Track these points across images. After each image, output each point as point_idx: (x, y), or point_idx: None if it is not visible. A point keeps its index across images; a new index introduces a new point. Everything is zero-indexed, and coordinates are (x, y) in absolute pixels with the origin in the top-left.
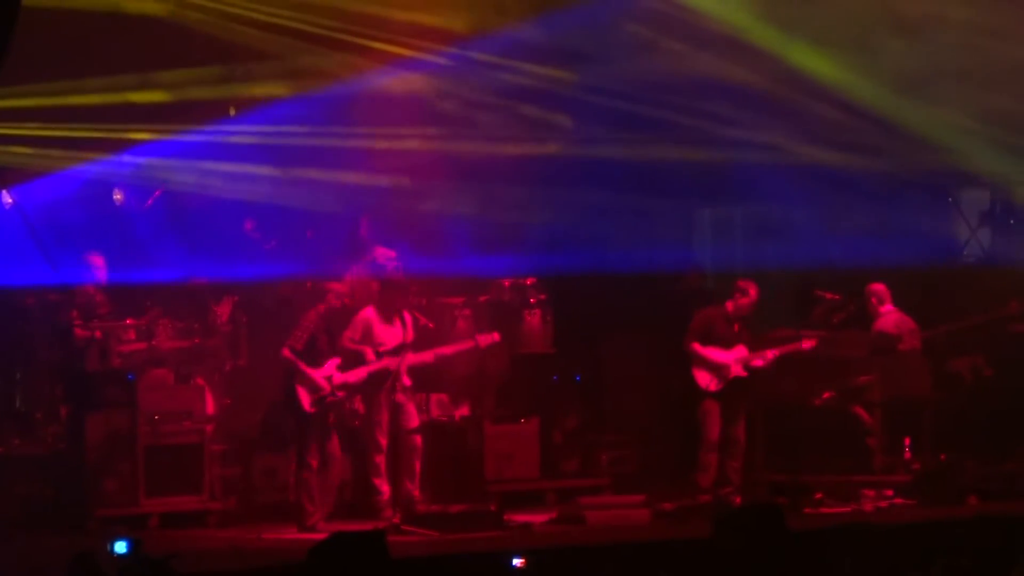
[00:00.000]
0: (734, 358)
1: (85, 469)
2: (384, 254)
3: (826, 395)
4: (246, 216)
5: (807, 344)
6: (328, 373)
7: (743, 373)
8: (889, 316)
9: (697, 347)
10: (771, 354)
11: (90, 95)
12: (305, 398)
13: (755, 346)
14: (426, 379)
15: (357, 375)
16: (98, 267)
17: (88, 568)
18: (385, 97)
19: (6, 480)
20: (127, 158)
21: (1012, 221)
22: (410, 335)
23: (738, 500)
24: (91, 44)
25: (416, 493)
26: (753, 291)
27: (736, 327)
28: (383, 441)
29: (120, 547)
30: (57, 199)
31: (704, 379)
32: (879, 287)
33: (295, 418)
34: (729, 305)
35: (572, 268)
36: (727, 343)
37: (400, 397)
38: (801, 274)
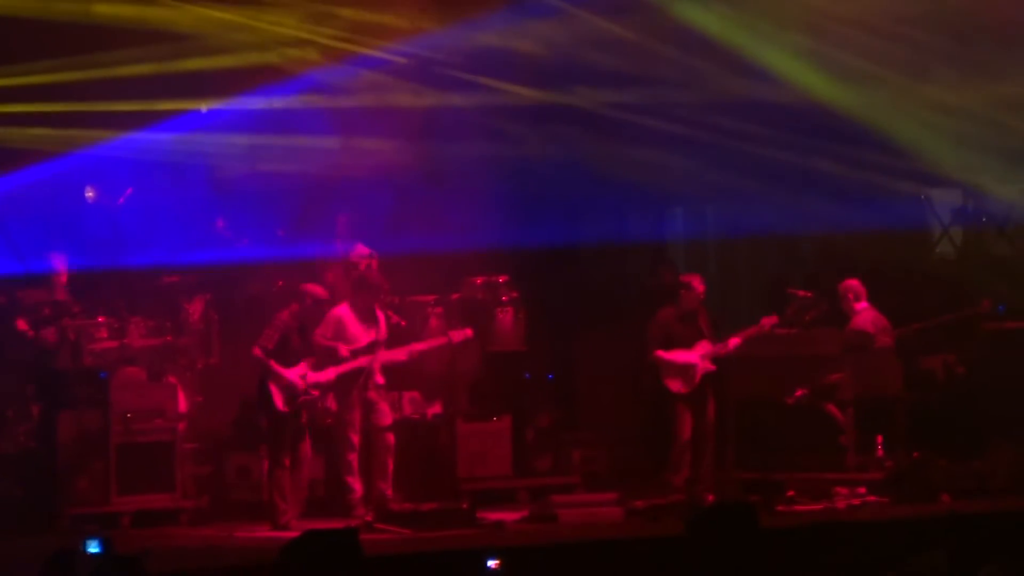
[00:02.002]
0: (699, 355)
1: (56, 468)
2: (360, 252)
3: (798, 393)
4: (218, 213)
5: (767, 322)
6: (302, 372)
7: (711, 367)
8: (865, 313)
9: (660, 354)
10: (733, 342)
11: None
12: (278, 397)
13: (717, 337)
14: (398, 377)
15: (331, 374)
16: (59, 268)
17: (65, 566)
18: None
19: None
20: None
21: (984, 219)
22: (383, 332)
23: (710, 498)
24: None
25: (389, 491)
26: (697, 283)
27: (693, 323)
28: (355, 439)
29: (93, 546)
30: (28, 192)
31: (675, 384)
32: (854, 283)
33: (268, 417)
34: (679, 304)
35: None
36: (688, 342)
37: (372, 395)
38: (774, 272)
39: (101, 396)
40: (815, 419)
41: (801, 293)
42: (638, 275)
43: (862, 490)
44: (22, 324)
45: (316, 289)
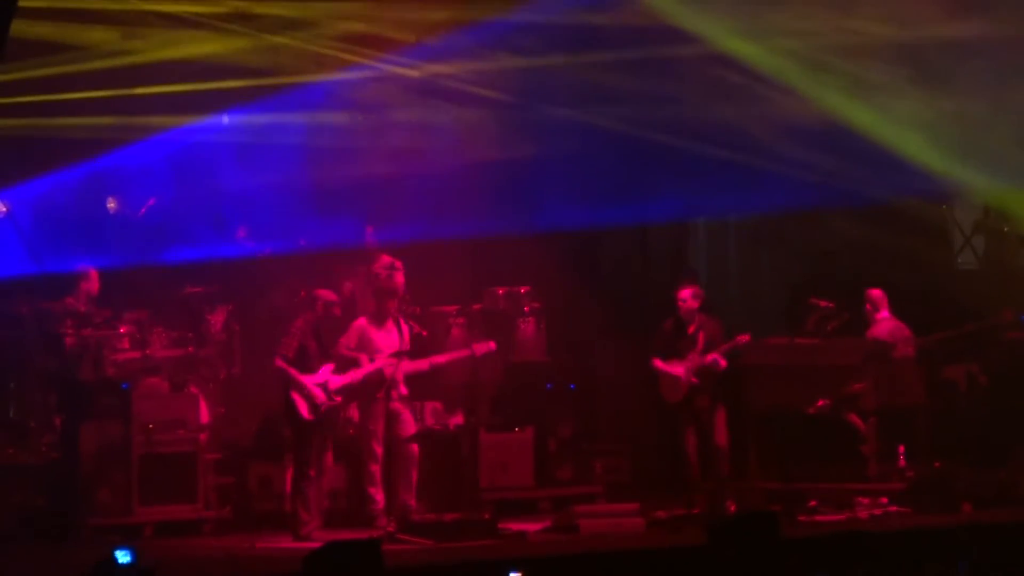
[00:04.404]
0: (684, 368)
1: (79, 478)
2: (383, 262)
3: (820, 403)
4: (242, 222)
5: (741, 339)
6: (322, 379)
7: (695, 380)
8: (884, 323)
9: (657, 363)
10: (710, 358)
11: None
12: (302, 406)
13: (710, 351)
14: (420, 387)
15: (352, 378)
16: (91, 278)
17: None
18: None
19: (0, 490)
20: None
21: (1006, 228)
22: (407, 343)
23: (732, 508)
24: None
25: (412, 502)
26: (688, 294)
27: (687, 335)
28: (379, 450)
29: (123, 557)
30: (52, 201)
31: (668, 394)
32: (876, 293)
33: (293, 427)
34: (677, 314)
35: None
36: (681, 353)
37: (397, 405)
38: (795, 282)
39: (123, 407)
40: (837, 429)
41: (823, 303)
42: (660, 285)
43: (884, 500)
44: (44, 335)
45: (327, 294)
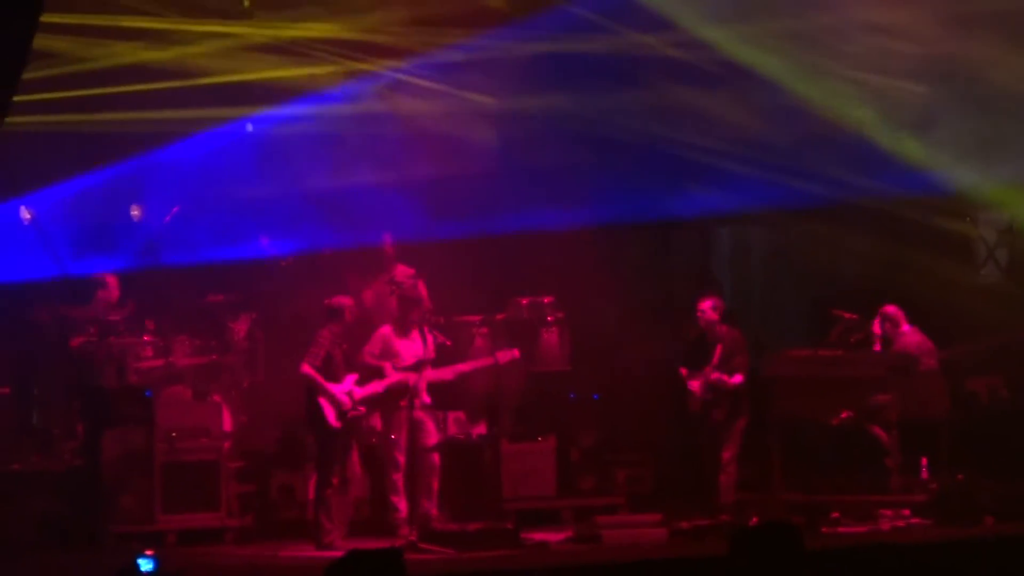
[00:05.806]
0: (700, 382)
1: (102, 486)
2: (403, 272)
3: (843, 415)
4: (262, 232)
5: (734, 381)
6: (347, 388)
7: (708, 395)
8: (910, 336)
9: (683, 371)
10: (715, 376)
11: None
12: (330, 413)
13: (722, 366)
14: (443, 397)
15: (376, 389)
16: (109, 286)
17: None
18: None
19: (23, 496)
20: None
21: None
22: (431, 352)
23: (754, 519)
24: None
25: (434, 511)
26: (707, 306)
27: (705, 348)
28: (401, 459)
29: (146, 565)
30: (76, 206)
31: (689, 404)
32: (891, 309)
33: (318, 434)
34: (696, 325)
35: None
36: (699, 366)
37: (419, 414)
38: (817, 294)
39: (146, 414)
40: (860, 441)
41: (847, 315)
42: (683, 296)
43: (906, 512)
44: (68, 342)
45: (348, 301)
